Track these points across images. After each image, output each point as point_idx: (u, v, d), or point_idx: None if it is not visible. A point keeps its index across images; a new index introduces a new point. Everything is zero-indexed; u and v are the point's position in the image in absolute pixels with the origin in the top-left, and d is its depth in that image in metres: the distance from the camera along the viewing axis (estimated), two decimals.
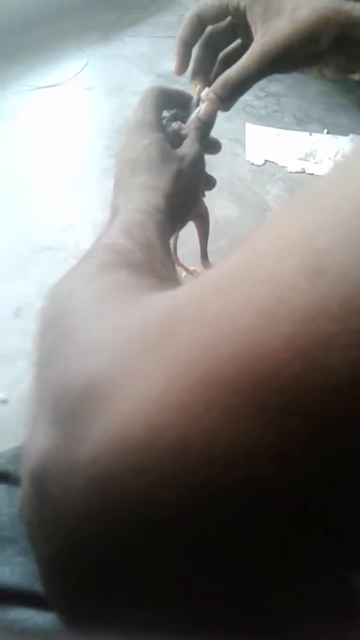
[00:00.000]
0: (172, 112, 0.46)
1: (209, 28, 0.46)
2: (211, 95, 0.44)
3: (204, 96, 0.45)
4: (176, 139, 0.44)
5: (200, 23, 0.45)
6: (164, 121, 0.45)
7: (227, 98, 0.43)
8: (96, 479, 0.15)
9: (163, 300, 0.20)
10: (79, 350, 0.19)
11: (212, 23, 0.46)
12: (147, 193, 0.38)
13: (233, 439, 0.14)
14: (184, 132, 0.45)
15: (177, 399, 0.15)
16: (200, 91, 0.46)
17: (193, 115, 0.45)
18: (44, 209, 1.33)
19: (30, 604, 0.29)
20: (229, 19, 0.45)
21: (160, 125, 0.43)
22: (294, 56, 0.40)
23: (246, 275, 0.16)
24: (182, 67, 0.47)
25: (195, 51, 0.47)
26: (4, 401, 0.98)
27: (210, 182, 0.49)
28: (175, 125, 0.45)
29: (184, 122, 0.46)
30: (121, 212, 0.37)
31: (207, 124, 0.45)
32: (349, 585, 0.17)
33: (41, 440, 0.18)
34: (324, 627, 0.18)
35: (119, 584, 0.15)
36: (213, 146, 0.48)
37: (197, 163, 0.43)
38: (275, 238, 0.17)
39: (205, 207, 0.50)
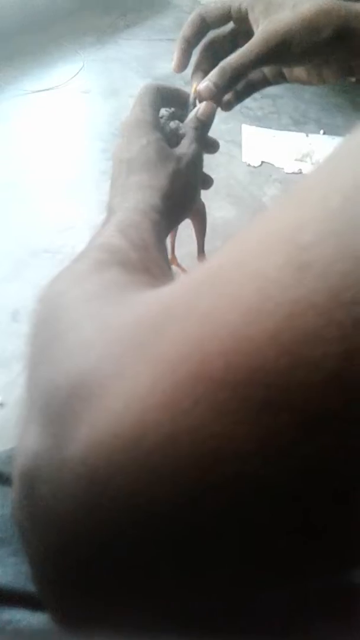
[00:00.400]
0: (169, 110, 0.45)
1: (211, 33, 0.46)
2: (207, 83, 0.43)
3: (200, 86, 0.44)
4: (174, 138, 0.44)
5: (202, 24, 0.45)
6: (162, 120, 0.45)
7: (224, 86, 0.43)
8: (85, 477, 0.15)
9: (154, 299, 0.20)
10: (68, 350, 0.19)
11: (214, 26, 0.46)
12: (144, 192, 0.38)
13: (221, 434, 0.14)
14: (181, 131, 0.44)
15: (166, 396, 0.15)
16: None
17: (191, 115, 0.45)
18: (42, 213, 1.33)
19: (23, 605, 0.29)
20: (231, 25, 0.46)
21: (157, 125, 0.43)
22: (293, 48, 0.40)
23: (235, 271, 0.16)
24: (181, 65, 0.47)
25: (196, 55, 0.47)
26: (1, 404, 0.98)
27: (207, 182, 0.49)
28: (173, 124, 0.45)
29: (181, 120, 0.45)
30: (117, 211, 0.37)
31: (205, 123, 0.45)
32: (347, 584, 0.17)
33: (31, 441, 0.18)
34: (323, 627, 0.18)
35: (111, 582, 0.15)
36: (211, 146, 0.48)
37: (195, 163, 0.43)
38: (264, 233, 0.17)
39: (202, 204, 0.49)
